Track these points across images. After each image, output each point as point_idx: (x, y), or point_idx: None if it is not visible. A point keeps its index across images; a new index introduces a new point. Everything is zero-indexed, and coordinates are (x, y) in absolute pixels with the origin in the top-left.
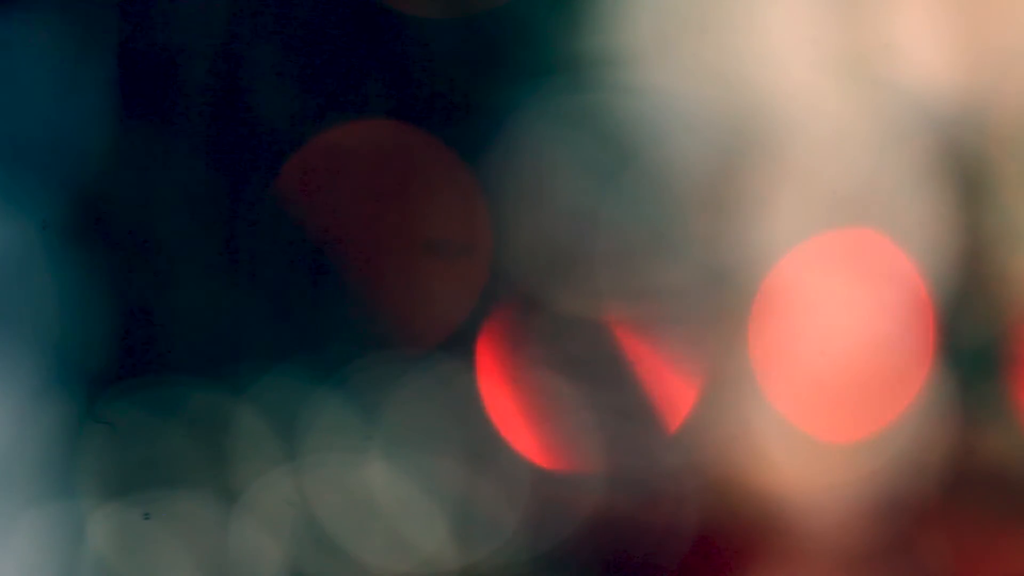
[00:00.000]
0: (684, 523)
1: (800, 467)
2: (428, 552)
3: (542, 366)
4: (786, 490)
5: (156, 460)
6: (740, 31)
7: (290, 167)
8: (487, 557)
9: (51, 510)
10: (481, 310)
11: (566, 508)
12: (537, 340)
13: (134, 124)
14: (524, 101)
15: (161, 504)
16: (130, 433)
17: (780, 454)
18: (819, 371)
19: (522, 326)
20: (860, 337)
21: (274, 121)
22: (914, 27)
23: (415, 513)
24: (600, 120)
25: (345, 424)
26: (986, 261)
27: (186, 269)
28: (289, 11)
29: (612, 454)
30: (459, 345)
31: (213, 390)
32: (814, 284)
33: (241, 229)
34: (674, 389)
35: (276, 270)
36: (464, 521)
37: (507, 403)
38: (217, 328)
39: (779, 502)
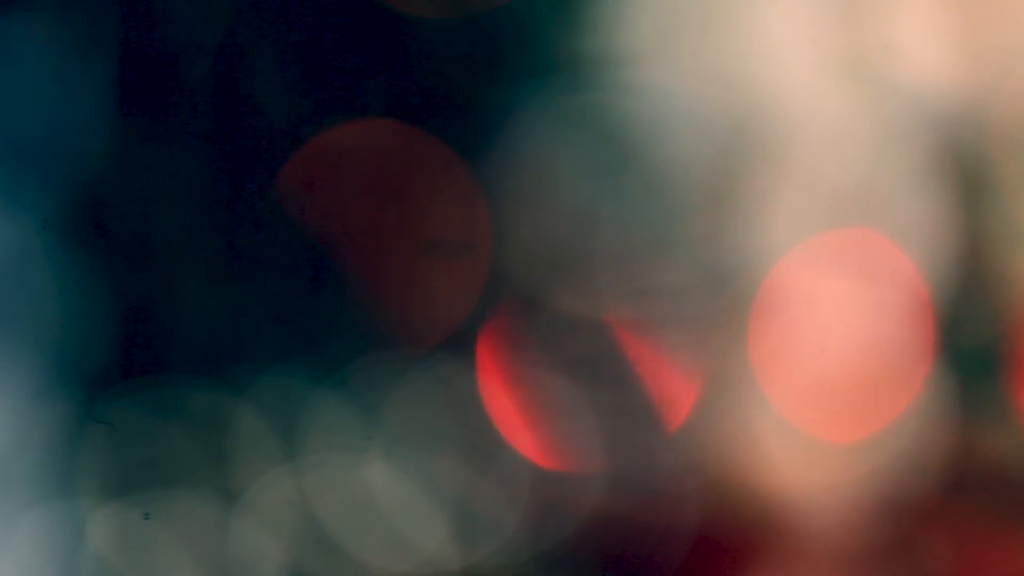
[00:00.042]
0: (684, 523)
1: (800, 467)
2: (428, 552)
3: (542, 366)
4: (786, 490)
5: (156, 460)
6: (740, 31)
7: (290, 167)
8: (487, 557)
9: (51, 510)
10: (481, 310)
11: (566, 508)
12: (537, 340)
13: (134, 124)
14: (524, 101)
15: (161, 504)
16: (130, 433)
17: (780, 454)
18: (819, 371)
19: (522, 326)
20: (860, 337)
21: (274, 121)
22: (914, 27)
23: (415, 513)
24: (600, 120)
25: (345, 424)
26: (986, 261)
27: (186, 269)
28: (289, 11)
29: (612, 454)
30: (459, 345)
31: (213, 390)
32: (814, 284)
33: (241, 229)
34: (674, 389)
35: (276, 270)
36: (464, 521)
37: (507, 403)
38: (217, 328)
39: (779, 502)
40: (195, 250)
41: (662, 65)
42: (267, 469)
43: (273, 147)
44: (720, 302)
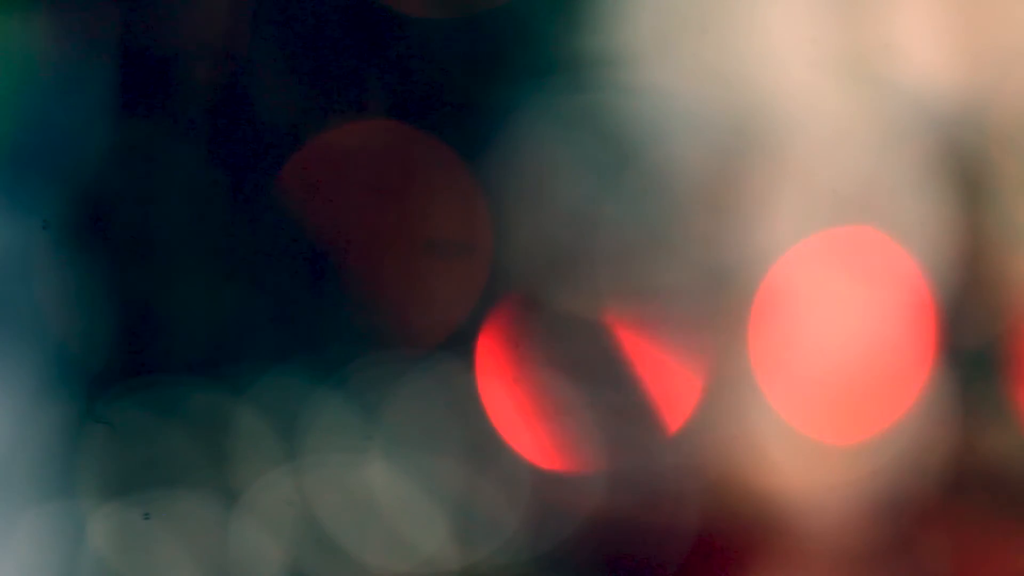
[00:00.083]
0: (684, 523)
1: (800, 468)
2: (428, 552)
3: (542, 366)
4: (786, 491)
5: (156, 460)
6: (740, 31)
7: (290, 167)
8: (487, 557)
9: (51, 510)
10: (481, 310)
11: (566, 508)
12: (537, 340)
13: (134, 124)
14: (524, 101)
15: (161, 504)
16: (130, 433)
17: (780, 455)
18: (819, 372)
19: (522, 326)
20: (861, 337)
21: (274, 121)
22: (914, 27)
23: (415, 513)
24: (600, 120)
25: (345, 424)
26: (987, 261)
27: (186, 269)
28: (289, 11)
29: (612, 454)
30: (459, 345)
31: (213, 390)
32: (814, 284)
33: (241, 229)
34: (674, 389)
35: (276, 270)
36: (464, 521)
37: (507, 403)
38: (217, 328)
39: (779, 503)
40: (195, 250)
41: (662, 65)
42: (267, 469)
43: (273, 147)
44: (720, 302)
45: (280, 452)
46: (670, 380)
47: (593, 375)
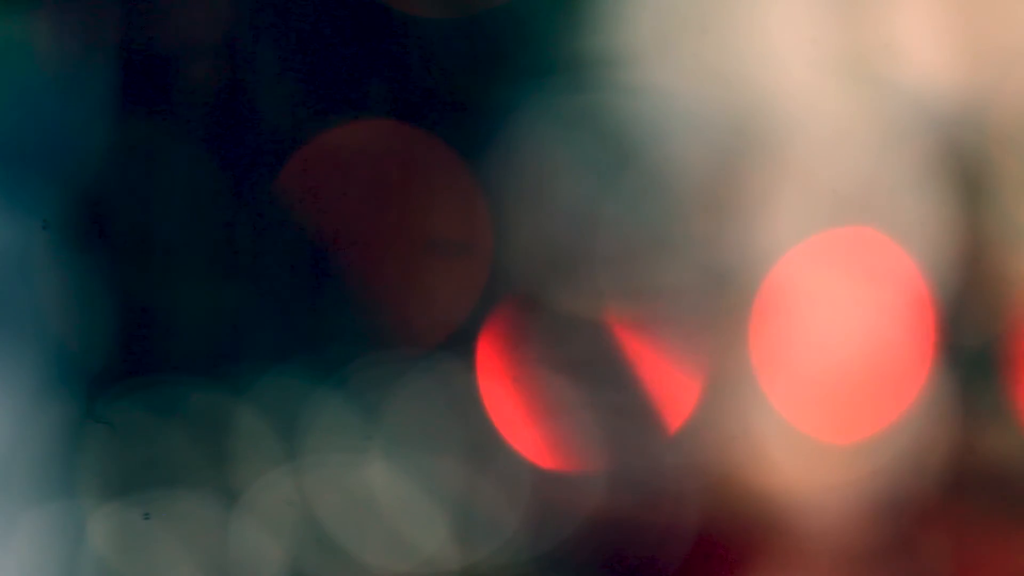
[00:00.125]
0: (684, 523)
1: (800, 468)
2: (428, 552)
3: (542, 366)
4: (786, 490)
5: (156, 460)
6: (740, 31)
7: (291, 167)
8: (487, 557)
9: (51, 510)
10: (481, 310)
11: (566, 508)
12: (537, 340)
13: (135, 124)
14: (524, 101)
15: (161, 504)
16: (130, 433)
17: (780, 455)
18: (820, 371)
19: (522, 326)
20: (861, 337)
21: (275, 121)
22: (914, 27)
23: (415, 513)
24: (600, 120)
25: (345, 424)
26: (987, 261)
27: (186, 269)
28: (289, 11)
29: (612, 454)
30: (459, 345)
31: (213, 390)
32: (815, 284)
33: (242, 229)
34: (674, 389)
35: (277, 270)
36: (464, 521)
37: (507, 403)
38: (217, 328)
39: (779, 503)
40: (195, 250)
41: (662, 65)
42: (267, 469)
43: (273, 147)
44: (720, 302)
45: (280, 452)
46: (670, 380)
47: (593, 375)
